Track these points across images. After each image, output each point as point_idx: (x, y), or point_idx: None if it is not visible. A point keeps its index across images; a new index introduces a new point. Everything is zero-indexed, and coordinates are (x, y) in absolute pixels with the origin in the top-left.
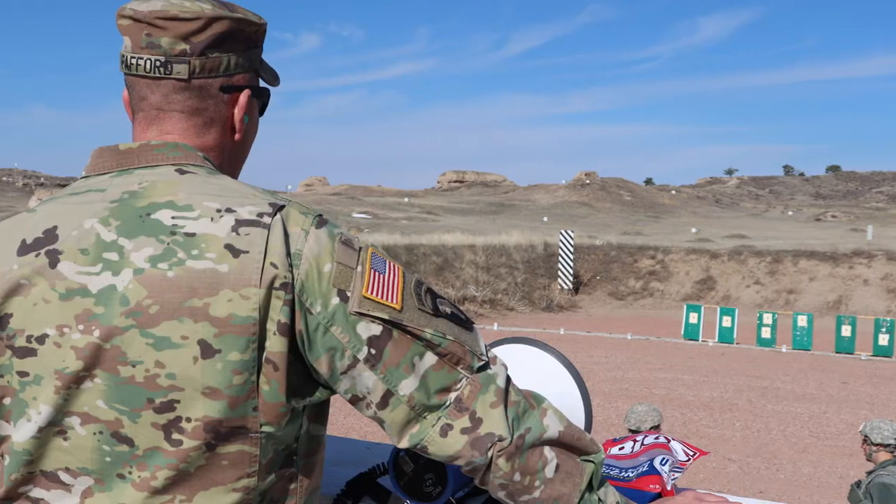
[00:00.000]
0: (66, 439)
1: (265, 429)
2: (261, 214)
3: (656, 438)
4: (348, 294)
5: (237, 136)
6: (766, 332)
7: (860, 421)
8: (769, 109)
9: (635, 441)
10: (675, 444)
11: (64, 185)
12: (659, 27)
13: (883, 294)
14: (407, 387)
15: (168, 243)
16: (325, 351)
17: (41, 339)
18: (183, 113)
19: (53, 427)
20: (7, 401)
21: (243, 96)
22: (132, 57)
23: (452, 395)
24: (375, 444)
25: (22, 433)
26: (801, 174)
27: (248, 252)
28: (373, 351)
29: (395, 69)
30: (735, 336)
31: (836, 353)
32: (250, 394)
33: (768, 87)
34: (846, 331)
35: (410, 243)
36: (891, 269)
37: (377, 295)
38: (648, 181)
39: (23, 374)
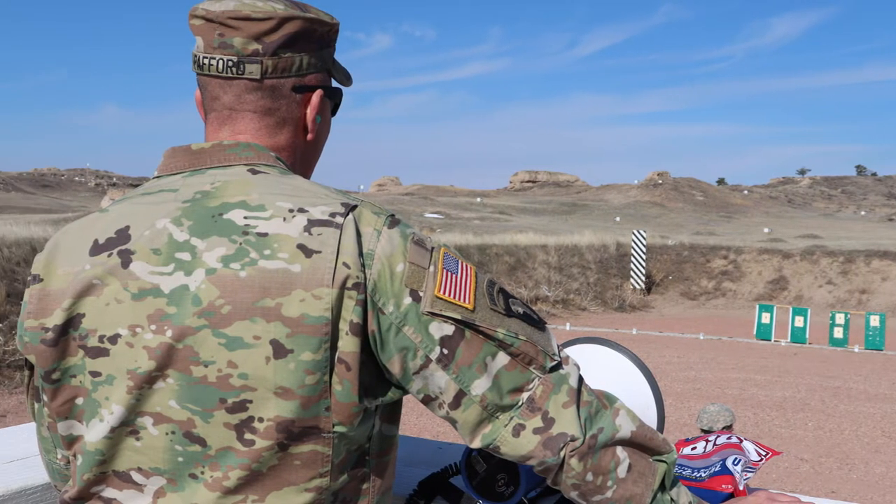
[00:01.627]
0: (138, 439)
1: (337, 429)
2: (333, 214)
3: (728, 438)
4: (420, 294)
5: (309, 136)
6: (838, 332)
7: None
8: (841, 109)
9: (707, 441)
10: (747, 444)
11: (136, 185)
12: (731, 27)
13: None
14: (479, 387)
15: (240, 243)
16: (398, 351)
17: (113, 339)
18: (255, 113)
19: (126, 427)
20: (79, 401)
21: (316, 96)
22: (204, 57)
23: (525, 395)
24: (448, 445)
25: (94, 433)
26: (874, 174)
27: (320, 252)
28: (445, 351)
29: (466, 69)
30: (807, 336)
31: None
32: (323, 394)
33: (840, 86)
34: None
35: (483, 243)
36: None
37: (449, 295)
38: (721, 181)
39: (95, 374)
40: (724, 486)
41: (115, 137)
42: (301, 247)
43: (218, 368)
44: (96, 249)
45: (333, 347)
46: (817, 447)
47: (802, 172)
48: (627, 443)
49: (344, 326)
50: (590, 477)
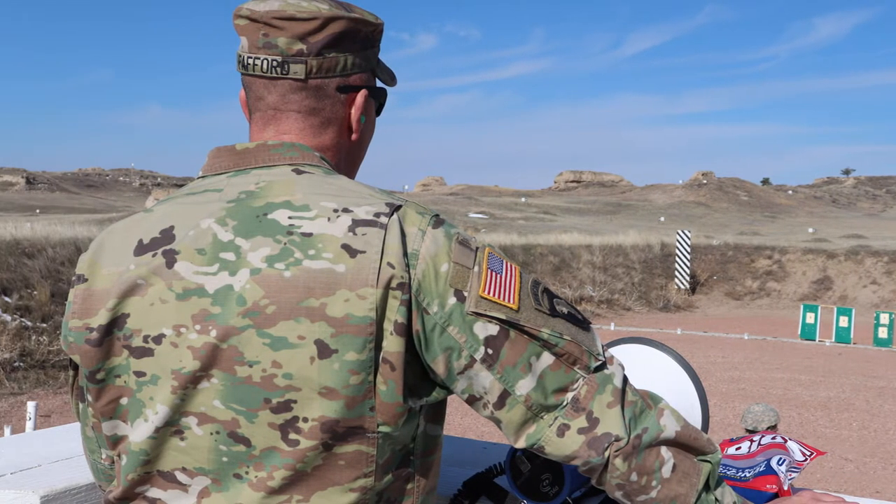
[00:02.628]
0: (182, 439)
1: (382, 429)
2: (378, 214)
3: (773, 438)
4: (465, 294)
5: (354, 136)
6: (883, 332)
7: None
8: (886, 109)
9: (752, 441)
10: (791, 444)
11: (181, 185)
12: (775, 27)
13: None
14: (524, 387)
15: (285, 243)
16: (442, 351)
17: (158, 339)
18: (300, 113)
19: (170, 427)
20: (124, 401)
21: (360, 96)
22: (249, 57)
23: (569, 395)
24: (492, 445)
25: (139, 433)
26: None
27: (364, 252)
28: (489, 351)
29: (511, 69)
30: (852, 336)
31: None
32: (367, 394)
33: (885, 86)
34: None
35: (527, 243)
36: None
37: (494, 295)
38: (765, 181)
39: (140, 374)
40: (768, 486)
41: (160, 137)
42: (345, 247)
43: (262, 368)
44: (141, 249)
45: (378, 347)
46: (862, 447)
47: (847, 172)
48: (672, 443)
49: (388, 326)
50: (634, 477)
